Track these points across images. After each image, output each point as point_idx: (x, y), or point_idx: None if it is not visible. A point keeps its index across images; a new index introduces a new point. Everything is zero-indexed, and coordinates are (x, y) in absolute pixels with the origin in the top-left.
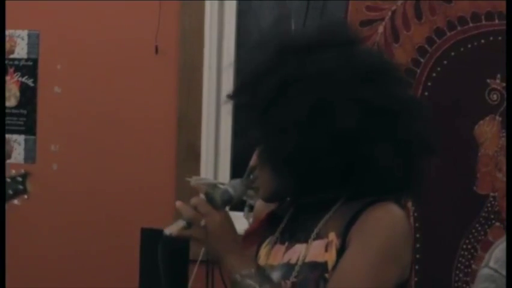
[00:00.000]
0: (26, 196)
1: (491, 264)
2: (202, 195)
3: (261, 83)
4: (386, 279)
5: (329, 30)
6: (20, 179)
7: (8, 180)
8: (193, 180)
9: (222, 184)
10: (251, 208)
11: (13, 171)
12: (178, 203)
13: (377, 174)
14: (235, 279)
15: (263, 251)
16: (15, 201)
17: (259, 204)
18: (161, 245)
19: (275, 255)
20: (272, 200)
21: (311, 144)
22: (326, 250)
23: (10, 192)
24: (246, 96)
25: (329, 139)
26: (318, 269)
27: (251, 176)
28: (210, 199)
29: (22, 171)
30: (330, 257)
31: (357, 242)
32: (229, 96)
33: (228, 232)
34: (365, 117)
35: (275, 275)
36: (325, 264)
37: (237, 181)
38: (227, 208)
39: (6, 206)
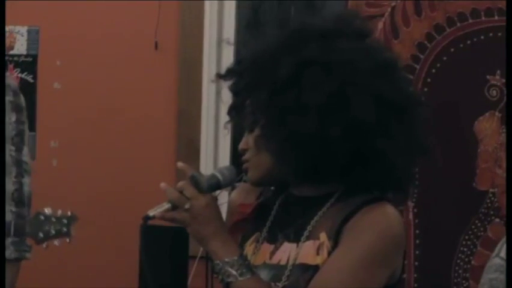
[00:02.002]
0: (68, 240)
1: (502, 254)
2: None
3: (277, 62)
4: (371, 282)
5: (343, 20)
6: (65, 221)
7: (53, 219)
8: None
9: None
10: None
11: (60, 211)
12: (163, 185)
13: (383, 168)
14: (217, 265)
15: (249, 248)
16: (56, 242)
17: (234, 196)
18: (142, 227)
19: (262, 254)
20: (262, 184)
21: (326, 129)
22: (318, 253)
23: (53, 232)
24: (256, 75)
25: (344, 126)
26: (309, 271)
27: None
28: (195, 182)
29: (69, 213)
30: (322, 260)
31: (347, 241)
32: (233, 73)
33: (212, 217)
34: (379, 110)
35: (263, 275)
36: (316, 267)
37: (227, 167)
38: (217, 193)
39: (44, 245)
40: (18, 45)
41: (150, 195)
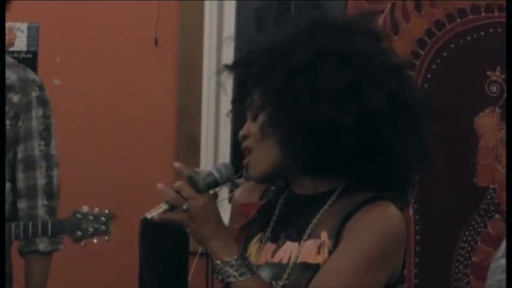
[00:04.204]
0: (106, 238)
1: None
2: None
3: (294, 50)
4: (372, 282)
5: (360, 21)
6: (103, 219)
7: (91, 217)
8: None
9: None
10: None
11: (97, 209)
12: (160, 185)
13: (388, 164)
14: (216, 265)
15: (253, 248)
16: (94, 240)
17: (238, 194)
18: (141, 229)
19: (265, 254)
20: (262, 179)
21: (338, 117)
22: (319, 252)
23: (91, 230)
24: (271, 61)
25: (356, 117)
26: (310, 270)
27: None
28: (192, 182)
29: (107, 211)
30: (323, 260)
31: (347, 240)
32: (242, 63)
33: (210, 216)
34: (390, 106)
35: (264, 274)
36: (317, 266)
37: (224, 164)
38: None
39: (83, 243)
40: (19, 41)
41: (150, 192)
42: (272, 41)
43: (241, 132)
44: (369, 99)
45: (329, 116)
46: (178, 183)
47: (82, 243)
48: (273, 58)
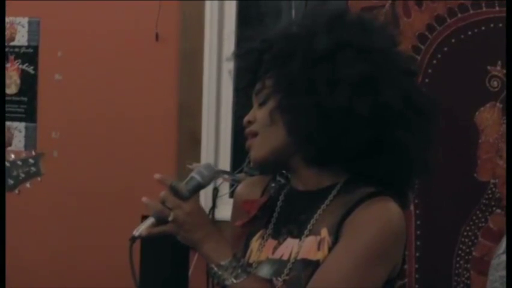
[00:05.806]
0: (39, 178)
1: None
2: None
3: (314, 38)
4: (372, 278)
5: (379, 22)
6: (32, 161)
7: (19, 162)
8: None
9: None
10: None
11: (24, 153)
12: (144, 199)
13: (395, 163)
14: (211, 269)
15: (255, 244)
16: (27, 185)
17: (240, 190)
18: (130, 247)
19: (267, 250)
20: (264, 162)
21: (354, 107)
22: (319, 248)
23: (22, 175)
24: (289, 47)
25: (372, 109)
26: (310, 267)
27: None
28: (174, 191)
29: (33, 152)
30: (323, 256)
31: (347, 237)
32: (254, 51)
33: (198, 222)
34: (404, 105)
35: (265, 270)
36: (317, 263)
37: (205, 165)
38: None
39: (16, 190)
40: (19, 36)
41: (151, 188)
42: (290, 28)
43: (247, 118)
44: (384, 95)
45: (343, 104)
46: (162, 194)
47: (16, 191)
48: (292, 44)
